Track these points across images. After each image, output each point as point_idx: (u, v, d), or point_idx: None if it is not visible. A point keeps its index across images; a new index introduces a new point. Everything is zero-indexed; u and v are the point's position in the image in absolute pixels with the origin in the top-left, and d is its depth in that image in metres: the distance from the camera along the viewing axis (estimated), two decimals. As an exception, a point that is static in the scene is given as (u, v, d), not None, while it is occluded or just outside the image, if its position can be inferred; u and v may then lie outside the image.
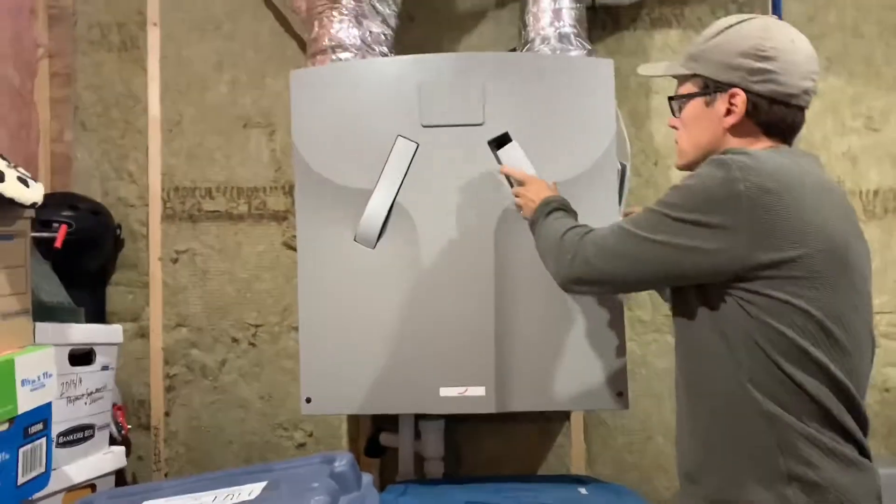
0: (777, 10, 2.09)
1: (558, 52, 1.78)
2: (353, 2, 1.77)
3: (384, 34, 1.83)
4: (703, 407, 1.06)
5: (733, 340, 1.00)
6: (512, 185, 1.56)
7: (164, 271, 2.22)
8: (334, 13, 1.77)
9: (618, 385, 1.60)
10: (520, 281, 1.59)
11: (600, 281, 1.14)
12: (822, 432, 0.97)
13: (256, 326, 2.20)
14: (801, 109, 1.08)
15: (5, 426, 1.20)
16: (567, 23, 1.79)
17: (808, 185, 0.99)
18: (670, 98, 1.19)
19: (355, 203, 1.61)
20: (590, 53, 1.81)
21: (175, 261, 2.22)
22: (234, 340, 2.20)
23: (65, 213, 1.98)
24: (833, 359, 0.98)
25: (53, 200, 1.97)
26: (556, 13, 1.79)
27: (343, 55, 1.76)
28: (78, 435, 1.65)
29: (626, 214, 1.54)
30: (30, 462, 1.28)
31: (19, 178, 1.23)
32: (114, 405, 1.89)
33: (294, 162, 1.66)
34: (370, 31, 1.79)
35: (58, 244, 1.87)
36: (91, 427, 1.71)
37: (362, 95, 1.63)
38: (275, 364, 2.19)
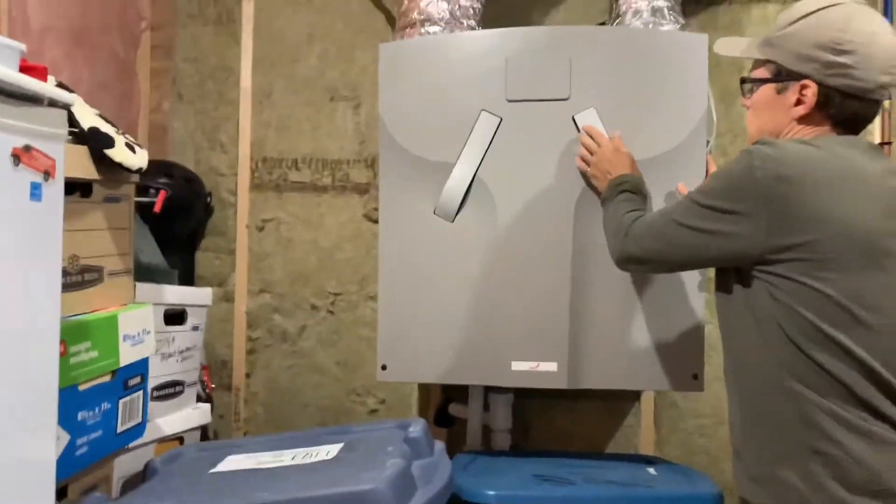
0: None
1: (650, 26, 1.73)
2: (442, -25, 1.77)
3: (473, 7, 1.82)
4: (742, 384, 1.12)
5: (761, 320, 1.05)
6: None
7: (250, 239, 2.30)
8: (424, -14, 1.78)
9: (693, 367, 1.57)
10: (597, 259, 1.58)
11: (645, 259, 1.23)
12: (848, 410, 0.98)
13: (336, 295, 2.26)
14: (877, 102, 1.08)
15: (108, 377, 1.29)
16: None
17: (833, 173, 1.01)
18: (742, 79, 1.21)
19: (437, 177, 1.63)
20: (683, 28, 1.75)
21: (261, 229, 2.30)
22: (314, 308, 2.27)
23: (161, 181, 2.08)
24: (855, 339, 0.99)
25: (151, 167, 2.04)
26: (649, -14, 1.74)
27: (432, 29, 1.76)
28: (169, 390, 1.75)
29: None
30: (128, 412, 1.37)
31: (127, 144, 1.31)
32: (200, 364, 1.99)
33: (379, 135, 1.68)
34: (459, 5, 1.78)
35: (157, 209, 1.96)
36: (181, 384, 1.81)
37: (449, 69, 1.64)
38: (351, 332, 2.25)
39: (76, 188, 1.25)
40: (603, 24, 1.94)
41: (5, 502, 0.85)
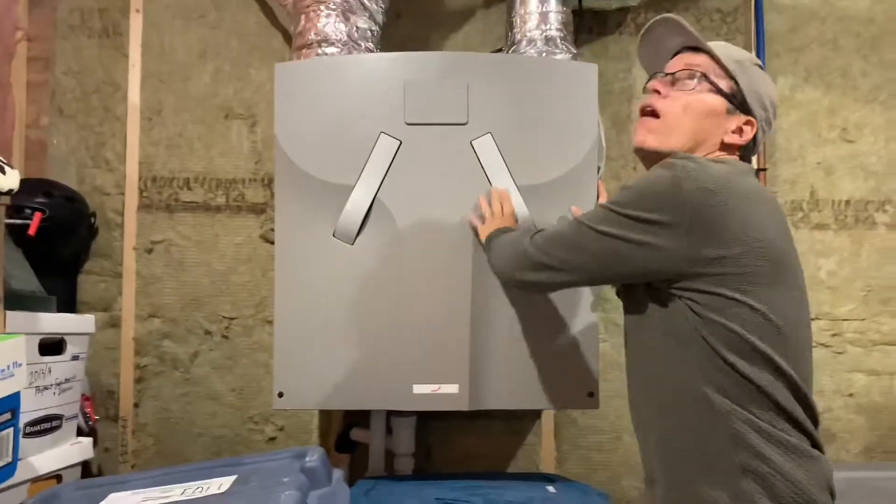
0: (759, 23, 2.12)
1: (544, 54, 1.78)
2: (340, -4, 1.76)
3: (371, 30, 1.82)
4: (660, 404, 1.08)
5: (682, 338, 1.03)
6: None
7: (138, 261, 2.19)
8: (321, 7, 1.76)
9: (589, 385, 1.62)
10: (496, 280, 1.60)
11: (553, 268, 1.16)
12: (774, 424, 1.00)
13: (230, 319, 2.18)
14: None
15: (-29, 414, 1.18)
16: (553, 26, 1.80)
17: (748, 190, 1.04)
18: (686, 69, 1.13)
19: (336, 198, 1.61)
20: (575, 57, 1.82)
21: (150, 251, 2.19)
22: (208, 333, 2.18)
23: (39, 200, 1.95)
24: (780, 352, 1.01)
25: (27, 186, 1.93)
26: (543, 16, 1.80)
27: (329, 50, 1.75)
28: (45, 425, 1.63)
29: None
30: (-5, 451, 1.26)
31: (-7, 163, 1.21)
32: (82, 395, 1.87)
33: (275, 155, 1.65)
34: (357, 27, 1.78)
35: (31, 232, 1.83)
36: (59, 417, 1.68)
37: (347, 91, 1.63)
38: (248, 357, 2.18)
39: (-64, 210, 1.15)
40: (499, 51, 1.99)
41: None
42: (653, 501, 1.11)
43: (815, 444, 1.03)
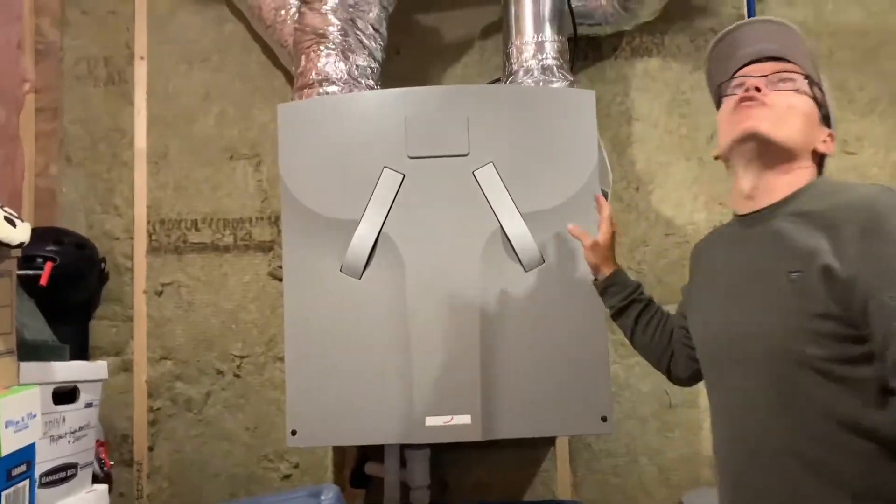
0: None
1: (541, 83, 1.81)
2: (339, 36, 1.80)
3: (371, 67, 1.85)
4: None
5: None
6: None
7: (148, 304, 2.20)
8: (321, 47, 1.79)
9: (602, 409, 1.61)
10: (504, 309, 1.60)
11: None
12: None
13: (241, 357, 2.19)
14: None
15: (-12, 467, 1.18)
16: (549, 55, 1.82)
17: None
18: (784, 71, 1.02)
19: (342, 234, 1.62)
20: (572, 84, 1.85)
21: (160, 293, 2.21)
22: (219, 372, 2.19)
23: (49, 248, 1.97)
24: None
25: (38, 235, 1.95)
26: (539, 46, 1.82)
27: (330, 88, 1.78)
28: (61, 475, 1.63)
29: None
30: None
31: (6, 219, 1.23)
32: (96, 441, 1.87)
33: (281, 194, 1.67)
34: (356, 65, 1.81)
35: (43, 282, 1.85)
36: (74, 466, 1.68)
37: (349, 128, 1.65)
38: (260, 395, 2.18)
39: (-51, 266, 1.16)
40: (497, 81, 2.01)
41: None
42: None
43: None
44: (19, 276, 1.34)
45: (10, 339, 1.29)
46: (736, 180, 1.03)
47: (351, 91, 1.80)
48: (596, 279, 1.44)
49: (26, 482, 1.30)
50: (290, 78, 2.18)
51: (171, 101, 2.25)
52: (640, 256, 2.17)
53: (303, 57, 1.82)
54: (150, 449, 2.18)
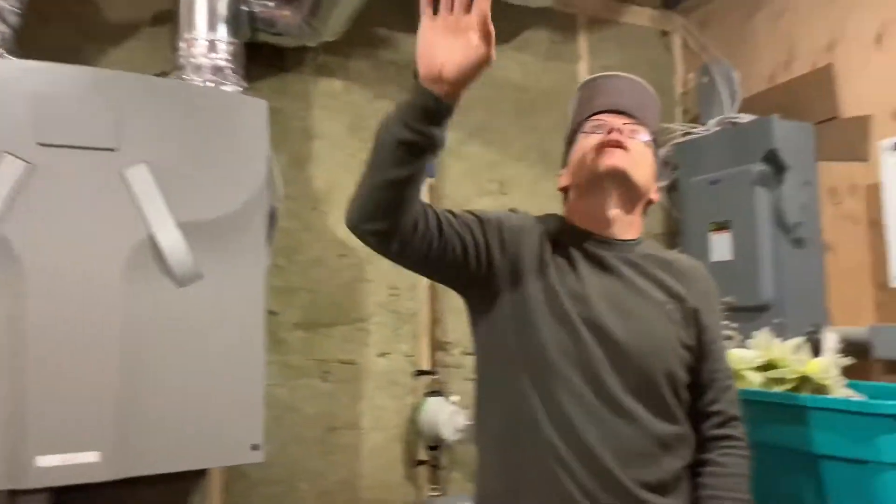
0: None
1: (211, 84, 1.67)
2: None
3: (1, 32, 1.53)
4: None
5: None
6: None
7: None
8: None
9: (253, 437, 1.51)
10: (150, 329, 1.42)
11: None
12: None
13: None
14: None
15: None
16: (223, 56, 1.69)
17: None
18: (640, 125, 1.12)
19: (-65, 230, 1.29)
20: (246, 91, 1.74)
21: None
22: None
23: None
24: None
25: None
26: (212, 45, 1.68)
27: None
28: None
29: None
30: None
31: None
32: None
33: None
34: (-24, 24, 1.48)
35: None
36: None
37: (-45, 100, 1.33)
38: None
39: None
40: (163, 74, 1.82)
41: None
42: None
43: None
44: None
45: None
46: (595, 206, 1.09)
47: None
48: (438, 97, 0.90)
49: None
50: None
51: None
52: (315, 276, 2.13)
53: None
54: None
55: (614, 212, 1.09)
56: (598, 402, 0.99)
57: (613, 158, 1.08)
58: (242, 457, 1.51)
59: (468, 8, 0.87)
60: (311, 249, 2.13)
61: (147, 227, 1.43)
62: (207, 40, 1.67)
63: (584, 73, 2.57)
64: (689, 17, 2.77)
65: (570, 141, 1.15)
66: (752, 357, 1.37)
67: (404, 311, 2.24)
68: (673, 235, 2.57)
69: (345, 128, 2.19)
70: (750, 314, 2.02)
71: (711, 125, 2.39)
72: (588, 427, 0.98)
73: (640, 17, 2.74)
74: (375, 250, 0.96)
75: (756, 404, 1.22)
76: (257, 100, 1.60)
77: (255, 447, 1.51)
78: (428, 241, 0.96)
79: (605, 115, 1.13)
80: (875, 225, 2.05)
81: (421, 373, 2.24)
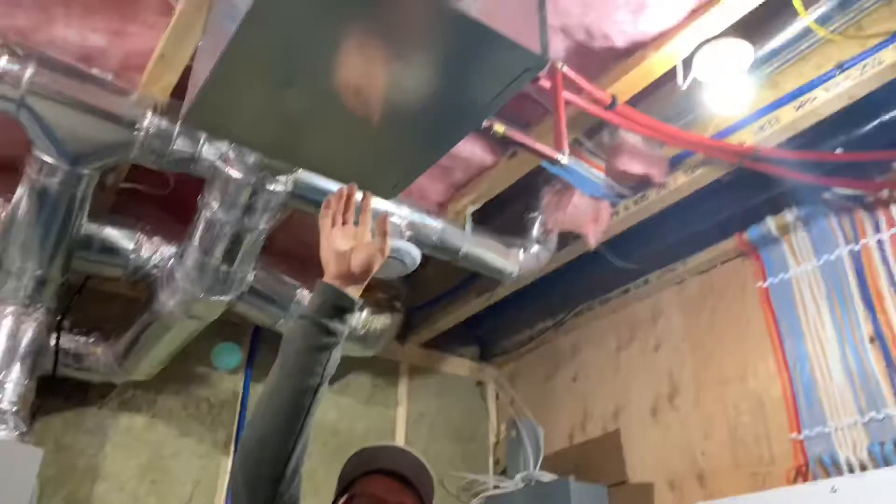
0: (242, 415, 2.23)
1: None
2: None
3: None
4: None
5: None
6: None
7: None
8: None
9: None
10: None
11: None
12: None
13: None
14: None
15: None
16: (7, 398, 1.61)
17: None
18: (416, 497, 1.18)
19: None
20: (27, 432, 1.63)
21: None
22: None
23: None
24: None
25: None
26: (0, 385, 1.61)
27: None
28: None
29: None
30: None
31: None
32: None
33: None
34: None
35: None
36: None
37: None
38: None
39: None
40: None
41: None
42: None
43: None
44: None
45: None
46: None
47: None
48: (340, 290, 1.02)
49: None
50: None
51: None
52: None
53: None
54: None
55: None
56: None
57: None
58: None
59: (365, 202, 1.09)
60: None
61: None
62: (-2, 380, 1.60)
63: (401, 417, 2.66)
64: (501, 370, 3.02)
65: None
66: None
67: None
68: None
69: (137, 467, 2.06)
70: None
71: (517, 481, 2.48)
72: None
73: (459, 367, 2.95)
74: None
75: None
76: (31, 449, 1.50)
77: None
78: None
79: (379, 476, 1.18)
80: None
81: None
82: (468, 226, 2.02)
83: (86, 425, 2.03)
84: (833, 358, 1.86)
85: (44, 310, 1.79)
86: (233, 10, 1.09)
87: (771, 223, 2.05)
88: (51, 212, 1.60)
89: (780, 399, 1.94)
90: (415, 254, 1.80)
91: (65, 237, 1.67)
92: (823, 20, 1.55)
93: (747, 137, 1.75)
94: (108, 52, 1.54)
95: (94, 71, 1.52)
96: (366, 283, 1.04)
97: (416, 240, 1.86)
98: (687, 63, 1.63)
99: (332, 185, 1.64)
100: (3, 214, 1.65)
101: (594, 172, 1.93)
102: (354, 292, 1.03)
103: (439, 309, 2.58)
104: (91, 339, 1.97)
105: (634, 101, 1.71)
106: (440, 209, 2.08)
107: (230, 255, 1.65)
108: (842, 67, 1.61)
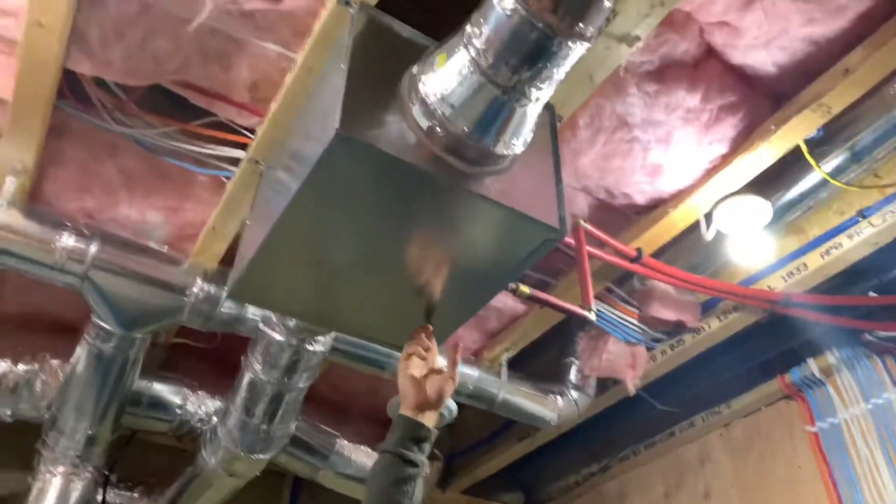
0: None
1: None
2: None
3: None
4: None
5: None
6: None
7: None
8: None
9: None
10: None
11: None
12: None
13: None
14: None
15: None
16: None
17: None
18: None
19: None
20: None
21: None
22: None
23: None
24: None
25: None
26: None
27: None
28: None
29: None
30: None
31: None
32: None
33: None
34: None
35: None
36: None
37: None
38: None
39: None
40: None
41: None
42: None
43: None
44: None
45: None
46: None
47: None
48: (417, 420, 1.09)
49: None
50: None
51: None
52: None
53: None
54: None
55: None
56: None
57: None
58: None
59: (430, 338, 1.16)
60: None
61: None
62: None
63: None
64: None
65: None
66: None
67: None
68: None
69: None
70: None
71: None
72: None
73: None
74: None
75: None
76: None
77: None
78: None
79: None
80: None
81: None
82: (504, 373, 2.04)
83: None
84: (893, 506, 1.76)
85: (92, 467, 1.84)
86: (281, 188, 1.21)
87: (813, 365, 2.01)
88: (105, 373, 1.69)
89: (840, 551, 1.83)
90: (451, 405, 1.82)
91: (117, 396, 1.75)
92: (838, 172, 1.60)
93: (776, 283, 1.77)
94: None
95: (152, 244, 1.65)
96: (439, 411, 1.11)
97: (453, 390, 1.88)
98: (709, 216, 1.68)
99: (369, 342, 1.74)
100: (62, 376, 1.74)
101: (627, 319, 1.95)
102: (430, 421, 1.09)
103: (480, 454, 2.54)
104: (136, 494, 2.01)
105: (661, 251, 1.76)
106: (475, 357, 2.10)
107: (271, 415, 1.70)
108: (863, 215, 1.64)
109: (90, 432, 1.76)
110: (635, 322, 1.96)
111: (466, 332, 2.08)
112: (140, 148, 1.50)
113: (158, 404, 1.90)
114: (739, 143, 1.53)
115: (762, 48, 1.35)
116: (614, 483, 2.64)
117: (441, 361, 1.20)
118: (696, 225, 1.70)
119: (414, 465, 1.03)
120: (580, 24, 0.92)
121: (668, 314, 1.90)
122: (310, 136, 1.14)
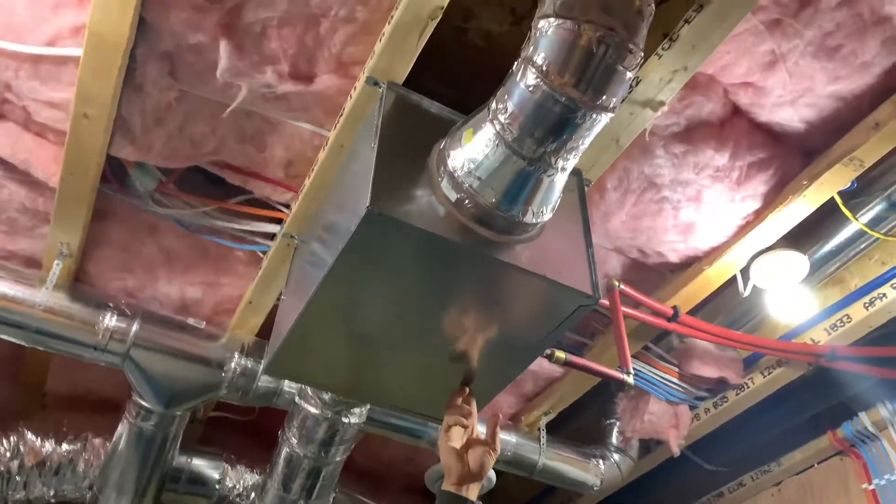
0: None
1: None
2: None
3: None
4: None
5: None
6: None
7: None
8: None
9: None
10: None
11: None
12: None
13: None
14: None
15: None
16: None
17: None
18: None
19: None
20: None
21: None
22: None
23: None
24: None
25: None
26: None
27: None
28: None
29: None
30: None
31: None
32: None
33: None
34: None
35: None
36: None
37: None
38: None
39: None
40: None
41: None
42: None
43: None
44: None
45: None
46: None
47: None
48: (461, 495, 1.09)
49: None
50: None
51: None
52: None
53: None
54: None
55: None
56: None
57: None
58: None
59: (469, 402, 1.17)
60: None
61: None
62: None
63: None
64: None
65: None
66: None
67: None
68: None
69: None
70: None
71: None
72: None
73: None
74: None
75: None
76: None
77: None
78: None
79: None
80: None
81: None
82: (543, 438, 2.00)
83: None
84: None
85: (132, 544, 1.83)
86: (316, 260, 1.22)
87: (865, 419, 1.93)
88: (146, 451, 1.70)
89: None
90: (491, 474, 1.79)
91: (157, 473, 1.76)
92: (876, 222, 1.56)
93: (819, 336, 1.73)
94: (202, 301, 1.71)
95: (190, 320, 1.68)
96: (482, 482, 1.12)
97: (492, 457, 1.85)
98: (745, 272, 1.66)
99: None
100: (104, 454, 1.76)
101: (667, 377, 1.91)
102: (473, 494, 1.10)
103: (522, 520, 2.48)
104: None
105: (697, 308, 1.73)
106: (513, 421, 2.07)
107: (308, 490, 1.68)
108: (906, 264, 1.61)
109: (130, 509, 1.77)
110: (675, 381, 1.92)
111: (503, 397, 2.05)
112: (179, 226, 1.54)
113: (198, 480, 1.89)
114: (772, 199, 1.51)
115: (789, 106, 1.35)
116: (665, 547, 2.54)
117: (480, 428, 1.19)
118: (732, 280, 1.67)
119: None
120: (603, 97, 0.93)
121: (710, 371, 1.86)
122: (343, 210, 1.16)
